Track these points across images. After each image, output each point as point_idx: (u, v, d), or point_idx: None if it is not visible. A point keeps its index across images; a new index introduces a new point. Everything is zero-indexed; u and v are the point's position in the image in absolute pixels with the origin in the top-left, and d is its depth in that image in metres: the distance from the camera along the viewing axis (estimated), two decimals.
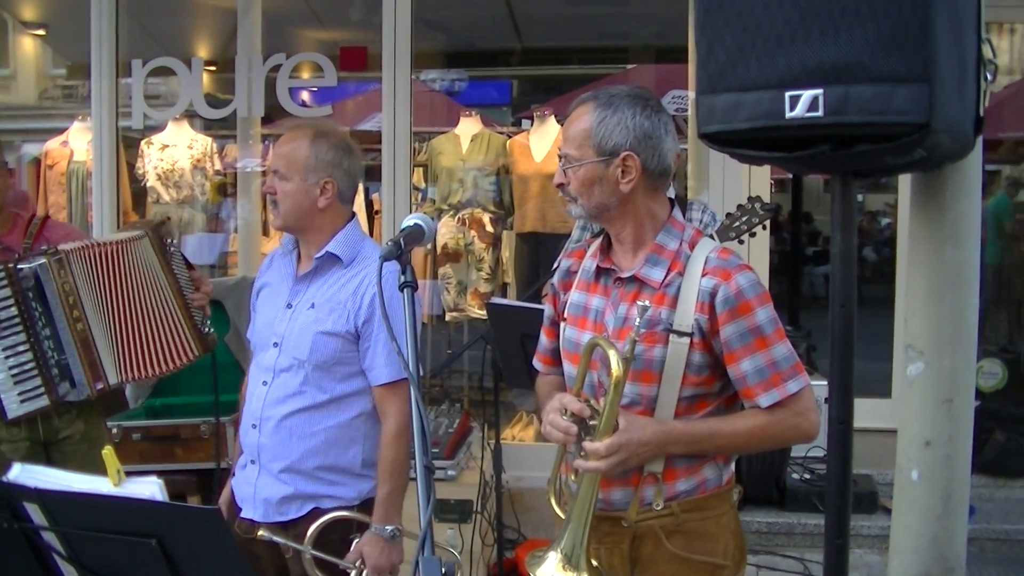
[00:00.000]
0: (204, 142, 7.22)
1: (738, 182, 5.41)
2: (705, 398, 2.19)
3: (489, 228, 6.72)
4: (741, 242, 3.65)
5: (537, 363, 2.53)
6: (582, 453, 2.10)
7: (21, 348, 3.05)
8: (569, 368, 2.33)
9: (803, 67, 1.94)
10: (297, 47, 7.20)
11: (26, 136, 9.31)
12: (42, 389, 3.07)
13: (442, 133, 7.01)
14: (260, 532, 2.59)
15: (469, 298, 6.74)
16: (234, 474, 2.82)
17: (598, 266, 2.28)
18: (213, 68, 6.82)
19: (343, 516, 2.62)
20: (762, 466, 4.89)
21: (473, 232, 6.70)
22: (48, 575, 1.80)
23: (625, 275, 2.22)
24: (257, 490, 2.69)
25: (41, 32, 9.54)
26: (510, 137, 6.91)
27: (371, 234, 5.94)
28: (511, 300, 5.91)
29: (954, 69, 1.92)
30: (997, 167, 8.41)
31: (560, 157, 2.24)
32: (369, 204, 7.58)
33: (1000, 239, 7.62)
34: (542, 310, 2.61)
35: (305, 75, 6.12)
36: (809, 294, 11.78)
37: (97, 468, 1.78)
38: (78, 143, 7.28)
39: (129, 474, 1.74)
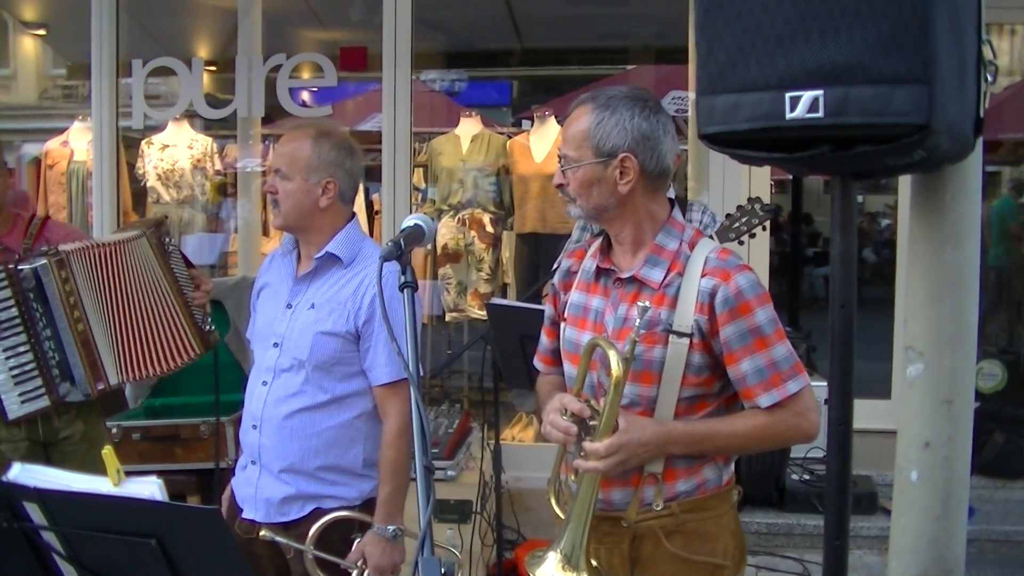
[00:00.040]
0: (204, 142, 7.22)
1: (738, 183, 5.41)
2: (705, 398, 2.20)
3: (489, 228, 6.72)
4: (741, 243, 3.65)
5: (538, 363, 2.53)
6: (582, 453, 2.10)
7: (22, 349, 3.06)
8: (569, 368, 2.33)
9: (803, 68, 1.94)
10: (297, 47, 7.20)
11: (26, 136, 9.31)
12: (43, 390, 3.07)
13: (442, 133, 7.01)
14: (262, 533, 2.59)
15: (469, 298, 6.74)
16: (234, 474, 2.82)
17: (598, 266, 2.29)
18: (213, 68, 6.81)
19: (345, 516, 2.62)
20: (762, 467, 4.90)
21: (473, 232, 6.70)
22: (48, 575, 1.80)
23: (625, 275, 2.22)
24: (258, 490, 2.69)
25: (41, 32, 9.54)
26: (510, 137, 6.91)
27: (371, 234, 5.94)
28: (511, 300, 5.91)
29: (954, 70, 1.92)
30: (997, 168, 8.41)
31: (559, 158, 2.25)
32: (369, 204, 7.58)
33: (1005, 241, 7.62)
34: (542, 311, 2.61)
35: (305, 75, 6.11)
36: (809, 295, 11.79)
37: (96, 468, 1.78)
38: (78, 143, 7.28)
39: (129, 474, 1.74)
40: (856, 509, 4.71)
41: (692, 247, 2.20)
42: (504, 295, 6.83)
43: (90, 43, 5.97)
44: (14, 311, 3.03)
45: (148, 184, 7.12)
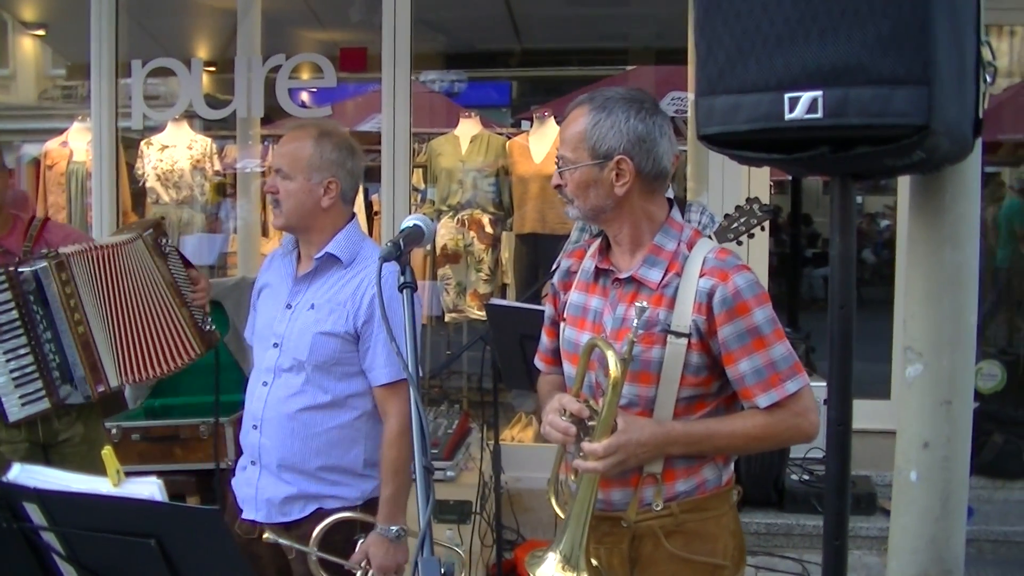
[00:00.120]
0: (204, 143, 7.22)
1: (737, 184, 5.40)
2: (704, 399, 2.20)
3: (488, 229, 6.72)
4: (740, 243, 3.65)
5: (538, 363, 2.54)
6: (580, 454, 2.11)
7: (22, 351, 3.06)
8: (568, 368, 2.33)
9: (802, 69, 1.94)
10: (297, 48, 7.19)
11: (25, 136, 9.31)
12: (43, 392, 3.07)
13: (441, 134, 7.01)
14: (266, 535, 2.59)
15: (468, 299, 6.74)
16: (234, 475, 2.82)
17: (597, 267, 2.29)
18: (213, 69, 6.81)
19: (348, 517, 2.62)
20: (761, 467, 4.90)
21: (472, 233, 6.70)
22: (47, 575, 1.81)
23: (623, 276, 2.23)
24: (259, 491, 2.69)
25: (41, 32, 9.53)
26: (509, 138, 6.91)
27: (370, 235, 5.94)
28: (510, 301, 5.91)
29: (953, 71, 1.92)
30: (996, 169, 8.41)
31: (557, 159, 2.25)
32: (368, 205, 7.58)
33: (1012, 243, 7.61)
34: (541, 311, 2.61)
35: (305, 76, 6.11)
36: (808, 296, 11.79)
37: (96, 470, 1.78)
38: (78, 143, 7.28)
39: (128, 475, 1.74)
40: (855, 509, 4.71)
41: (690, 247, 2.21)
42: (503, 296, 6.83)
43: (89, 43, 5.96)
44: (14, 314, 3.03)
45: (147, 184, 7.12)
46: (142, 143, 7.12)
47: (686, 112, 5.93)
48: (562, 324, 2.37)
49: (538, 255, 6.58)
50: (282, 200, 2.67)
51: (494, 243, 6.78)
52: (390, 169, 5.74)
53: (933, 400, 2.45)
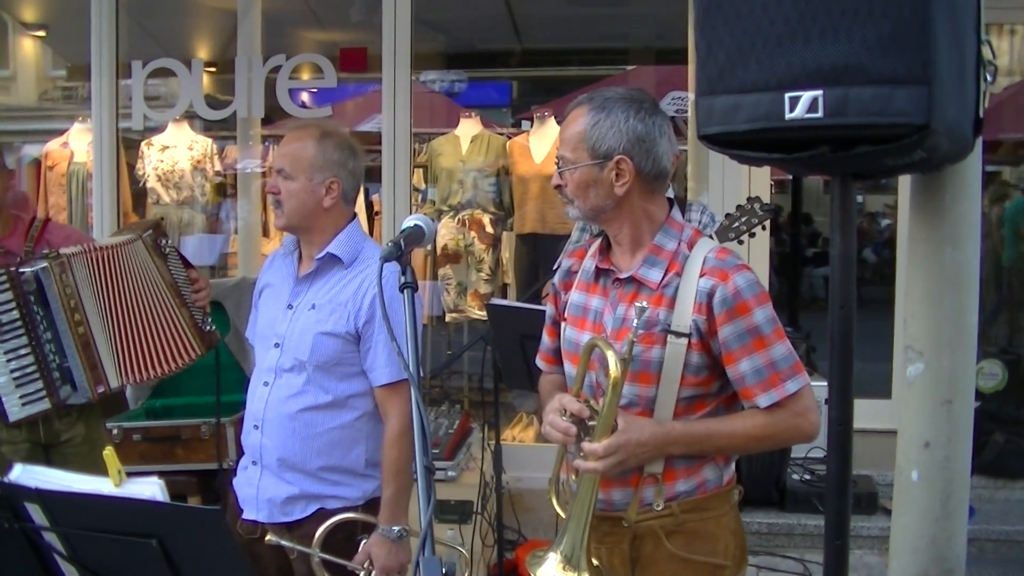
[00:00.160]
0: (204, 143, 7.22)
1: (738, 183, 5.40)
2: (704, 398, 2.20)
3: (489, 229, 6.72)
4: (741, 242, 3.65)
5: (540, 362, 2.54)
6: (581, 454, 2.11)
7: (23, 351, 3.06)
8: (569, 368, 2.33)
9: (802, 68, 1.94)
10: (297, 48, 7.19)
11: (26, 137, 9.32)
12: (43, 392, 3.08)
13: (442, 134, 7.01)
14: (268, 537, 2.59)
15: (469, 299, 6.74)
16: (235, 475, 2.82)
17: (597, 267, 2.29)
18: (213, 69, 6.81)
19: (350, 518, 2.62)
20: (762, 467, 4.90)
21: (473, 233, 6.70)
22: (49, 575, 1.81)
23: (623, 276, 2.23)
24: (260, 491, 2.69)
25: (41, 33, 9.53)
26: (510, 138, 6.91)
27: (371, 235, 5.94)
28: (511, 301, 5.91)
29: (954, 70, 1.93)
30: (997, 168, 8.41)
31: (557, 159, 2.25)
32: (369, 205, 7.59)
33: (1017, 243, 7.60)
34: (542, 311, 2.61)
35: (305, 76, 6.11)
36: (809, 295, 11.79)
37: (97, 470, 1.78)
38: (78, 144, 7.28)
39: (129, 475, 1.74)
40: (856, 509, 4.71)
41: (691, 247, 2.21)
42: (504, 296, 6.84)
43: (90, 44, 5.97)
44: (15, 314, 3.04)
45: (148, 185, 7.12)
46: (143, 144, 7.12)
47: (686, 112, 5.93)
48: (563, 324, 2.37)
49: (538, 255, 6.58)
50: (284, 200, 2.67)
51: (495, 243, 6.78)
52: (390, 169, 5.74)
53: (934, 400, 2.46)
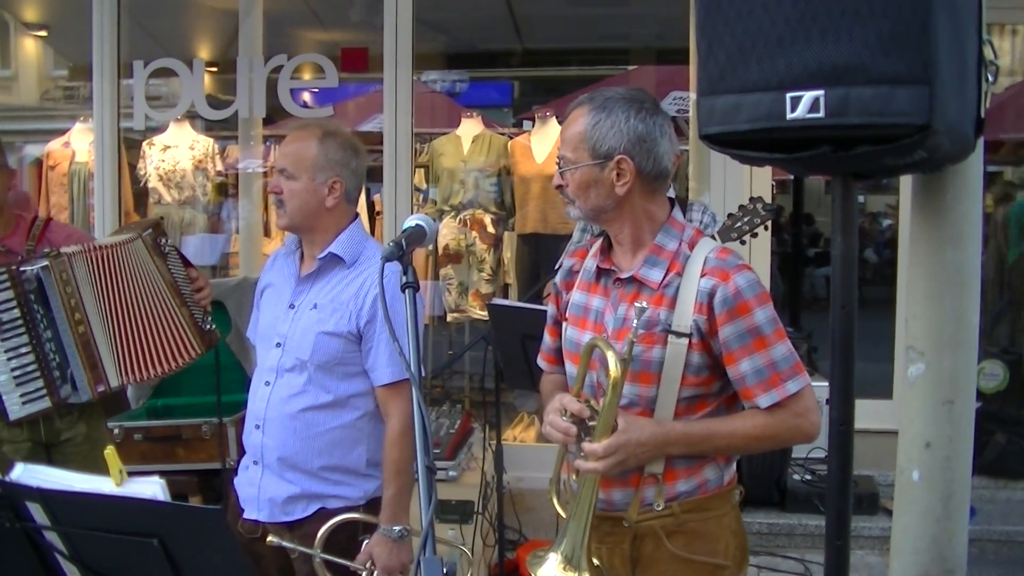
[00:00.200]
0: (205, 143, 7.23)
1: (739, 183, 5.40)
2: (704, 398, 2.20)
3: (490, 229, 6.72)
4: (743, 243, 3.65)
5: (541, 362, 2.54)
6: (581, 454, 2.11)
7: (23, 350, 3.06)
8: (570, 368, 2.33)
9: (803, 68, 1.94)
10: (298, 48, 7.19)
11: (28, 137, 9.31)
12: (44, 391, 3.08)
13: (443, 134, 7.02)
14: (269, 538, 2.59)
15: (470, 299, 6.74)
16: (236, 474, 2.82)
17: (598, 266, 2.29)
18: (214, 69, 6.81)
19: (352, 518, 2.62)
20: (763, 467, 4.89)
21: (474, 233, 6.70)
22: (50, 575, 1.81)
23: (624, 276, 2.23)
24: (261, 490, 2.69)
25: (43, 33, 9.54)
26: (511, 138, 6.91)
27: (372, 235, 5.94)
28: (512, 301, 5.91)
29: (955, 70, 1.92)
30: (998, 168, 8.40)
31: (558, 160, 2.25)
32: (371, 205, 7.59)
33: (1022, 242, 7.58)
34: (543, 311, 2.61)
35: (306, 76, 6.11)
36: (810, 295, 11.79)
37: (98, 469, 1.78)
38: (80, 144, 7.28)
39: (130, 474, 1.75)
40: (857, 509, 4.71)
41: (692, 247, 2.20)
42: (505, 296, 6.84)
43: (91, 44, 5.97)
44: (16, 312, 3.04)
45: (149, 185, 7.13)
46: (144, 144, 7.12)
47: (688, 112, 5.93)
48: (564, 324, 2.37)
49: (540, 255, 6.58)
50: (286, 200, 2.67)
51: (496, 243, 6.78)
52: (392, 169, 5.74)
53: (935, 400, 2.46)
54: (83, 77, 7.81)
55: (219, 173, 7.40)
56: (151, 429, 4.55)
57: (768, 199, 3.80)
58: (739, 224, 3.66)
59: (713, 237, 3.29)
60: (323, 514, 2.62)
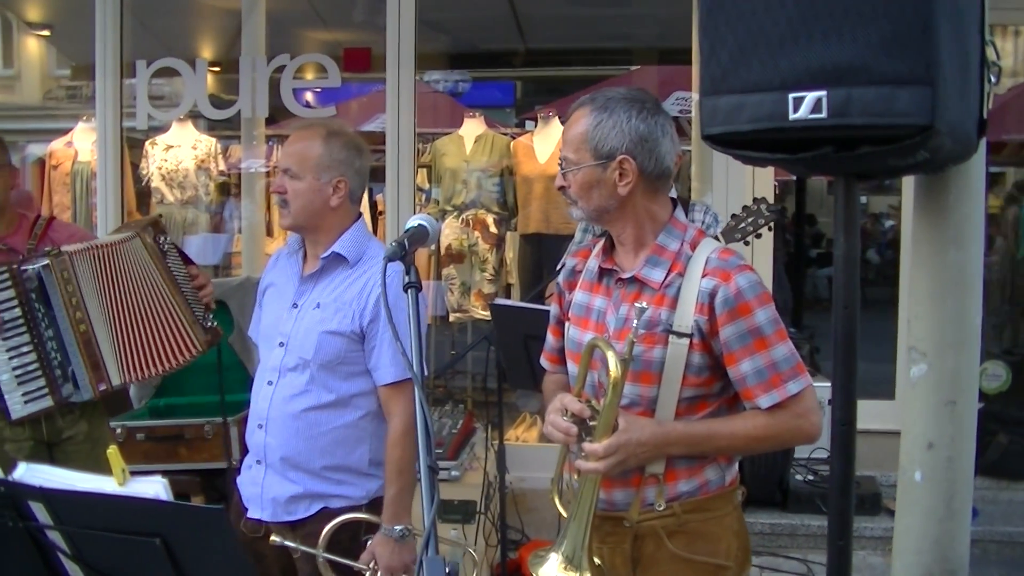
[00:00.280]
0: (208, 143, 7.23)
1: (742, 184, 5.40)
2: (706, 399, 2.20)
3: (493, 229, 6.72)
4: (747, 243, 3.65)
5: (544, 362, 2.54)
6: (582, 454, 2.11)
7: (25, 349, 3.06)
8: (572, 368, 2.33)
9: (806, 69, 1.94)
10: (301, 48, 7.20)
11: (30, 136, 9.33)
12: (46, 390, 3.08)
13: (446, 134, 7.02)
14: (272, 538, 2.59)
15: (473, 299, 6.74)
16: (239, 473, 2.83)
17: (600, 266, 2.29)
18: (217, 69, 6.82)
19: (354, 518, 2.62)
20: (765, 467, 4.89)
21: (477, 233, 6.70)
22: (53, 574, 1.81)
23: (626, 276, 2.23)
24: (264, 490, 2.69)
25: (45, 33, 9.55)
26: (514, 138, 6.92)
27: (375, 235, 5.94)
28: (515, 301, 5.91)
29: (957, 71, 1.93)
30: (1001, 169, 8.39)
31: (560, 160, 2.25)
32: (373, 205, 7.60)
33: None
34: (546, 311, 2.61)
35: (309, 76, 6.11)
36: (812, 296, 11.78)
37: (100, 468, 1.78)
38: (82, 143, 7.29)
39: (133, 474, 1.75)
40: (860, 510, 4.70)
41: (694, 247, 2.20)
42: (508, 296, 6.84)
43: (94, 44, 5.97)
44: (17, 311, 3.04)
45: (152, 184, 7.14)
46: (147, 143, 7.13)
47: (690, 112, 5.92)
48: (566, 324, 2.37)
49: (542, 255, 6.58)
50: (290, 200, 2.67)
51: (498, 243, 6.78)
52: (394, 169, 5.74)
53: (937, 400, 2.46)
54: (86, 76, 7.82)
55: (221, 173, 7.40)
56: (153, 429, 4.55)
57: (771, 200, 3.80)
58: (743, 225, 3.66)
59: (717, 238, 3.30)
60: (326, 514, 2.63)
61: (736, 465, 2.32)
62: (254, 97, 5.89)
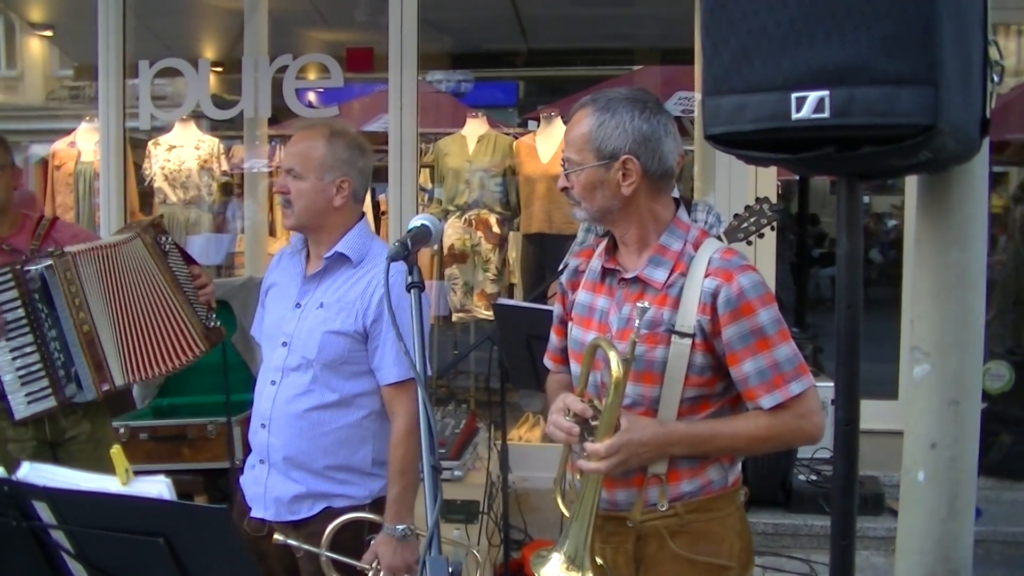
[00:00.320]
0: (211, 143, 7.23)
1: (744, 184, 5.40)
2: (708, 399, 2.19)
3: (495, 229, 6.73)
4: (749, 243, 3.65)
5: (547, 362, 2.54)
6: (584, 454, 2.11)
7: (28, 349, 3.06)
8: (575, 368, 2.33)
9: (808, 69, 1.94)
10: (303, 48, 7.21)
11: (33, 137, 9.35)
12: (49, 390, 3.08)
13: (448, 134, 7.03)
14: (275, 537, 2.60)
15: (475, 299, 6.75)
16: (242, 473, 2.83)
17: (603, 266, 2.29)
18: (220, 69, 6.83)
19: (357, 518, 2.62)
20: (768, 467, 4.89)
21: (479, 233, 6.71)
22: (56, 574, 1.81)
23: (629, 276, 2.23)
24: (267, 489, 2.70)
25: (48, 33, 9.56)
26: (516, 138, 6.92)
27: (377, 235, 5.94)
28: (517, 301, 5.91)
29: (960, 71, 1.92)
30: (1004, 169, 8.37)
31: (563, 161, 2.25)
32: (376, 205, 7.60)
33: None
34: (548, 311, 2.61)
35: (311, 76, 6.11)
36: (815, 296, 11.76)
37: (103, 468, 1.79)
38: (85, 144, 7.30)
39: (136, 474, 1.75)
40: (863, 510, 4.70)
41: (696, 247, 2.20)
42: (510, 295, 6.84)
43: (97, 44, 5.98)
44: (20, 312, 3.04)
45: (155, 185, 7.14)
46: (149, 143, 7.14)
47: (693, 112, 5.92)
48: (569, 323, 2.37)
49: (545, 255, 6.58)
50: (293, 200, 2.67)
51: (501, 243, 6.78)
52: (397, 169, 5.74)
53: (940, 400, 2.46)
54: (89, 77, 7.84)
55: (224, 173, 7.41)
56: (157, 428, 4.56)
57: (774, 199, 3.79)
58: (745, 225, 3.66)
59: (719, 238, 3.29)
60: (329, 513, 2.63)
61: (739, 465, 2.32)
62: (257, 97, 5.90)
